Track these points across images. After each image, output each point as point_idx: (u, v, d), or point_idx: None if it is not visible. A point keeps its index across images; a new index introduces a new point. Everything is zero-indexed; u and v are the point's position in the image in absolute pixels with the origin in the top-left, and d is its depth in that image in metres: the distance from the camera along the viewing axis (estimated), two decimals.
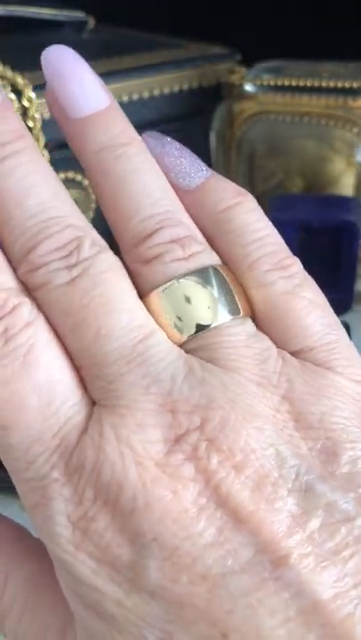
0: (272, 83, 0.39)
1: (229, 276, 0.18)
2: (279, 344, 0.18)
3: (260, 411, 0.16)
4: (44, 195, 0.17)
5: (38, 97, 0.33)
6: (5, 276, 0.17)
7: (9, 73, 0.33)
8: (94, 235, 0.17)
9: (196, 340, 0.17)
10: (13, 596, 0.17)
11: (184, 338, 0.17)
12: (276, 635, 0.14)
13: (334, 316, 0.18)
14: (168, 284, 0.17)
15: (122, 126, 0.19)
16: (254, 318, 0.18)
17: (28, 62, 0.36)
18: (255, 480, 0.15)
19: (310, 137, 0.38)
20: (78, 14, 0.43)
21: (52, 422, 0.16)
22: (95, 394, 0.16)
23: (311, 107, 0.38)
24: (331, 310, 0.18)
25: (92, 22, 0.44)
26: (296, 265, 0.18)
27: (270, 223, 0.19)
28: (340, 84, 0.37)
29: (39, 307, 0.17)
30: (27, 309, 0.16)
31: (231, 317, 0.17)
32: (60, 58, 0.19)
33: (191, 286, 0.17)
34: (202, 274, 0.17)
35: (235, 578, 0.14)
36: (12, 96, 0.32)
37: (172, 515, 0.15)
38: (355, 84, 0.37)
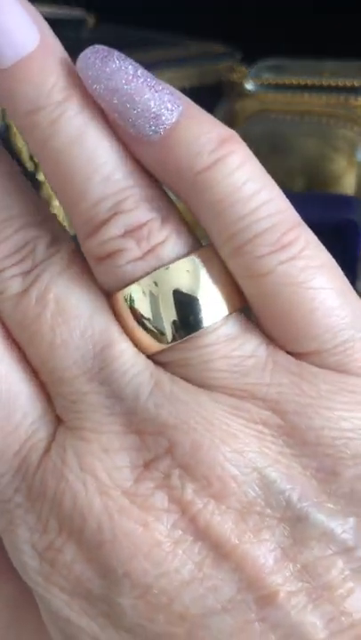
0: (273, 81, 0.39)
1: (208, 264, 0.14)
2: (279, 343, 0.15)
3: (240, 430, 0.14)
4: (2, 191, 0.15)
5: None
6: None
7: None
8: (55, 231, 0.15)
9: (167, 354, 0.15)
10: None
11: (153, 345, 0.14)
12: None
13: (354, 299, 0.15)
14: (127, 288, 0.14)
15: (56, 75, 0.14)
16: (248, 307, 0.15)
17: None
18: (238, 510, 0.13)
19: (311, 135, 0.38)
20: (78, 12, 0.43)
21: (12, 440, 0.14)
22: (60, 411, 0.15)
23: (312, 105, 0.37)
24: (349, 294, 0.15)
25: (91, 20, 0.44)
26: (302, 238, 0.14)
27: (268, 179, 0.15)
28: (341, 83, 0.37)
29: None
30: None
31: (208, 325, 0.14)
32: None
33: (153, 289, 0.14)
34: (165, 273, 0.14)
35: (216, 618, 0.13)
36: None
37: (143, 549, 0.13)
38: (356, 83, 0.37)
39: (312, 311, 0.14)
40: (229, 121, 0.40)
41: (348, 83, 0.37)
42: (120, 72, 0.14)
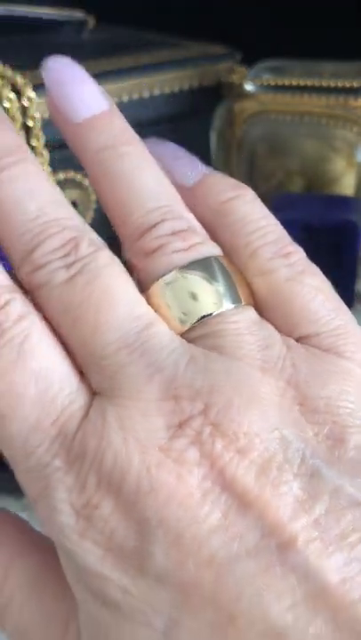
0: (272, 82, 0.39)
1: (231, 266, 0.18)
2: (284, 331, 0.17)
3: (265, 396, 0.16)
4: (43, 199, 0.18)
5: (38, 96, 0.33)
6: None
7: (9, 72, 0.33)
8: (92, 235, 0.17)
9: (199, 329, 0.17)
10: (14, 589, 0.17)
11: (186, 327, 0.17)
12: (284, 619, 0.14)
13: (341, 301, 0.18)
14: (169, 275, 0.17)
15: (122, 127, 0.19)
16: (257, 307, 0.18)
17: (28, 62, 0.36)
18: (260, 464, 0.15)
19: (311, 136, 0.38)
20: (78, 14, 0.43)
21: (49, 410, 0.16)
22: (96, 385, 0.16)
23: (312, 106, 0.38)
24: (337, 296, 0.18)
25: (91, 22, 0.44)
26: (298, 253, 0.18)
27: (271, 214, 0.19)
28: (340, 84, 0.37)
29: (41, 306, 0.17)
30: (19, 304, 0.16)
31: (233, 306, 0.17)
32: (60, 66, 0.19)
33: (192, 276, 0.17)
34: (203, 263, 0.17)
35: (241, 563, 0.14)
36: (12, 95, 0.32)
37: (176, 499, 0.15)
38: (355, 84, 0.37)
39: (310, 301, 0.18)
40: (229, 121, 0.40)
41: (348, 84, 0.37)
42: (164, 143, 0.20)
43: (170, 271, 0.17)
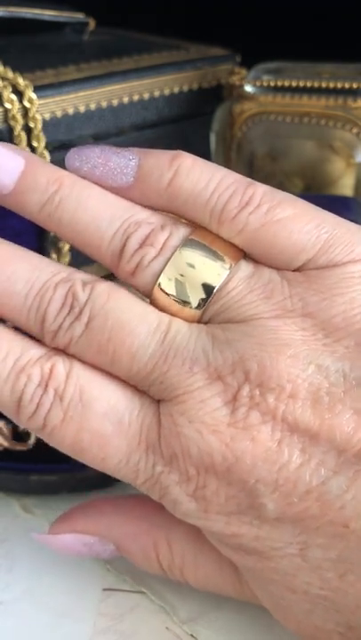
0: (272, 83, 0.39)
1: (207, 238, 0.19)
2: (280, 267, 0.19)
3: (288, 338, 0.18)
4: (27, 272, 0.19)
5: (39, 98, 0.33)
6: (33, 349, 0.19)
7: (10, 74, 0.33)
8: (81, 275, 0.19)
9: (208, 311, 0.19)
10: (182, 552, 0.21)
11: (196, 313, 0.19)
12: None
13: (317, 210, 0.19)
14: (157, 282, 0.19)
15: (45, 175, 0.20)
16: (249, 256, 0.19)
17: (30, 63, 0.37)
18: (311, 398, 0.17)
19: (310, 137, 0.38)
20: (79, 16, 0.43)
21: (131, 434, 0.19)
22: (157, 396, 0.19)
23: (311, 107, 0.38)
24: (311, 209, 0.19)
25: (92, 24, 0.44)
26: (257, 192, 0.19)
27: (214, 166, 0.20)
28: (340, 85, 0.37)
29: (78, 356, 0.19)
30: (61, 366, 0.19)
31: (228, 270, 0.18)
32: None
33: (178, 269, 0.19)
34: (180, 254, 0.19)
35: (332, 481, 0.17)
36: (14, 97, 0.32)
37: (259, 457, 0.17)
38: (355, 85, 0.37)
39: (290, 235, 0.18)
40: (229, 123, 0.40)
41: (347, 85, 0.37)
42: (92, 154, 0.20)
43: (156, 279, 0.19)
